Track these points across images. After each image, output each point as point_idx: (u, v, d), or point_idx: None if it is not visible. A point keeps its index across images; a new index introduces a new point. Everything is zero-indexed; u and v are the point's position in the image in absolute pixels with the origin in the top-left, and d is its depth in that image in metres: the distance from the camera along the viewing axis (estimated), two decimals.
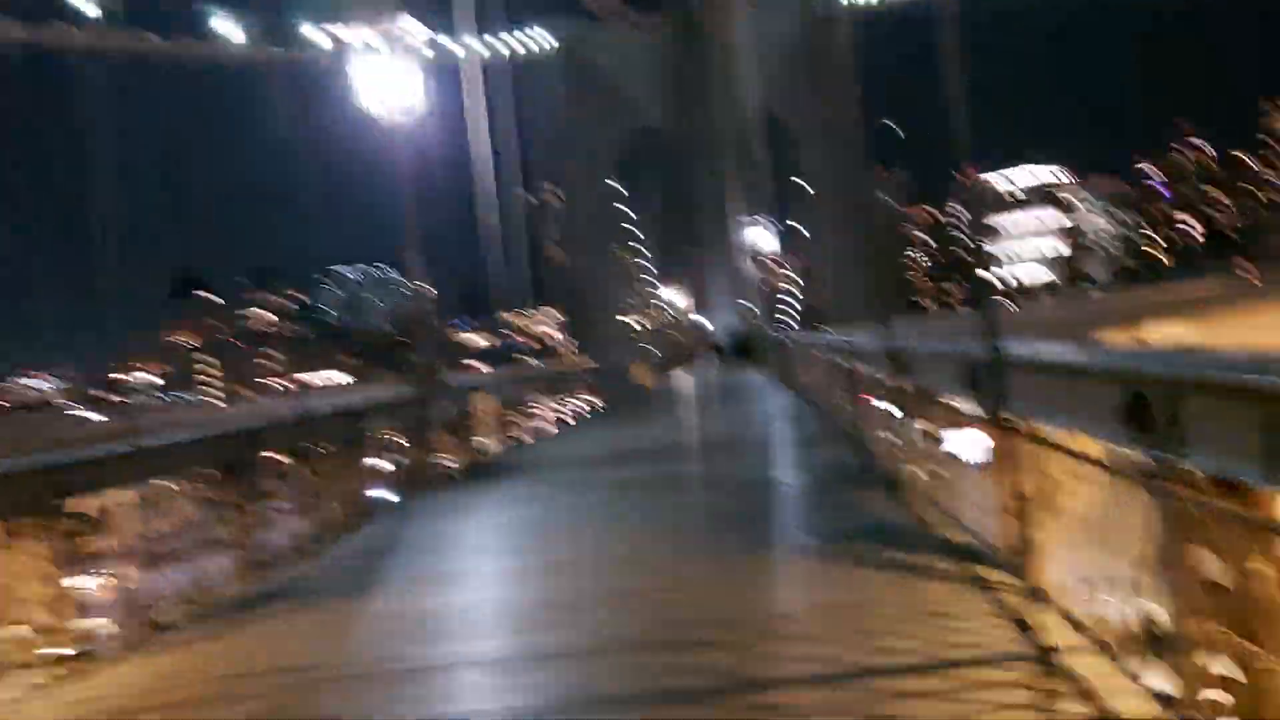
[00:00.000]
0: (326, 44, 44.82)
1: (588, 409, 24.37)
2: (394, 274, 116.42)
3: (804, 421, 15.23)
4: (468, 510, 10.68)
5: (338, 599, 7.18)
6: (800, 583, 6.34)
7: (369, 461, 11.11)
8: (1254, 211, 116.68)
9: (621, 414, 22.53)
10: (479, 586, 7.24)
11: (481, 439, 15.19)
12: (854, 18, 62.44)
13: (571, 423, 20.66)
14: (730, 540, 7.70)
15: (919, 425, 8.58)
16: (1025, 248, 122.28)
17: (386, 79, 13.22)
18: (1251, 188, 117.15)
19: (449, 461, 13.46)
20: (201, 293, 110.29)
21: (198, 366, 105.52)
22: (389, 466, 11.50)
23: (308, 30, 45.20)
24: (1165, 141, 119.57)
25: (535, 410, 19.23)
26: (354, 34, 13.09)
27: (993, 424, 6.07)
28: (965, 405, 7.08)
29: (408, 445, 12.50)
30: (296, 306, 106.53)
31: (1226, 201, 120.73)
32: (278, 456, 9.18)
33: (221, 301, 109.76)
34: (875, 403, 11.37)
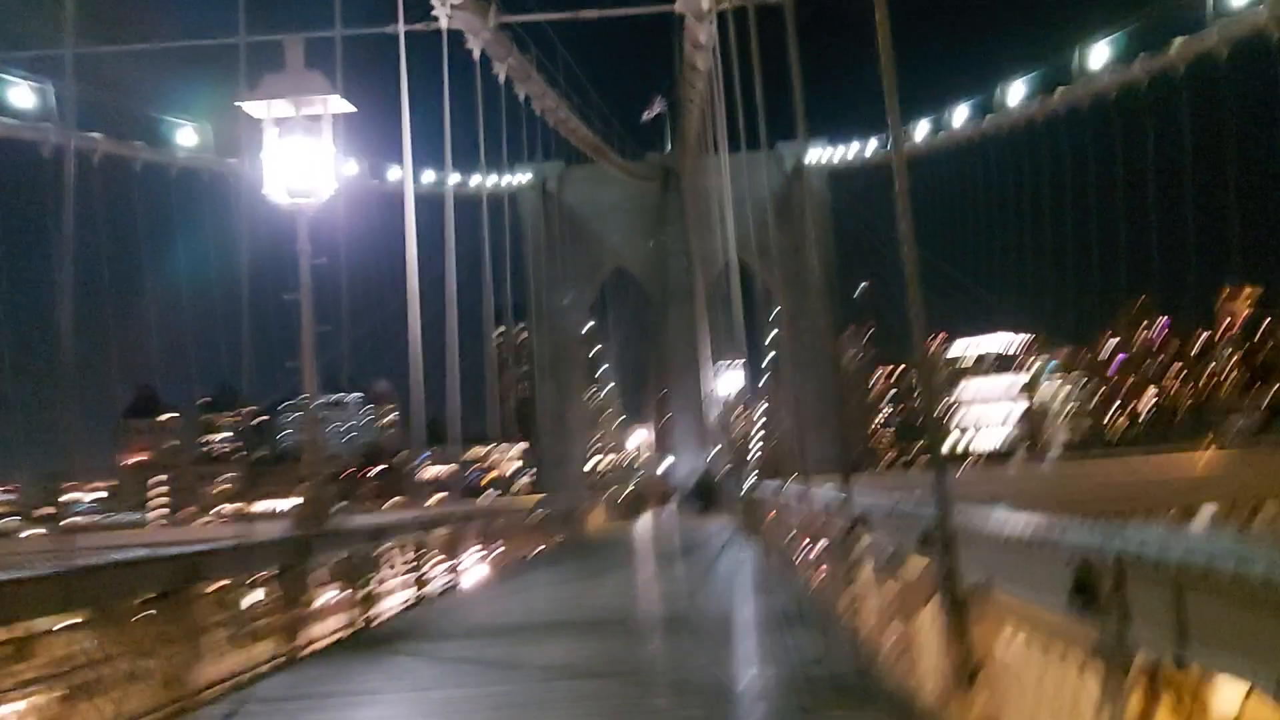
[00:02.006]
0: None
1: (534, 555, 21.46)
2: (357, 400, 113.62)
3: (771, 590, 12.47)
4: (322, 708, 7.77)
5: None
6: None
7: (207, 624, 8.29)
8: (1208, 390, 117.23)
9: (570, 564, 19.61)
10: None
11: (385, 595, 12.33)
12: (834, 177, 62.50)
13: (510, 572, 17.74)
14: None
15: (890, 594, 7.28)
16: (987, 413, 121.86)
17: (300, 162, 11.03)
18: (1206, 366, 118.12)
19: (331, 627, 10.60)
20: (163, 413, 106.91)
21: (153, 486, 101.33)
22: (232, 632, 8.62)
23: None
24: (1125, 316, 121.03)
25: (465, 557, 16.38)
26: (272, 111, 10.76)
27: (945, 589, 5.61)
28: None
29: (272, 604, 9.75)
30: (253, 430, 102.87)
31: (1177, 377, 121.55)
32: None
33: (172, 421, 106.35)
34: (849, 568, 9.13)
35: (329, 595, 11.31)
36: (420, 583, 13.75)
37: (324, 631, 10.68)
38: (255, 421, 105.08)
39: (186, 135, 37.99)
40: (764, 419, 64.93)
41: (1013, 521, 5.00)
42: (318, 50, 11.80)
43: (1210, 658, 2.95)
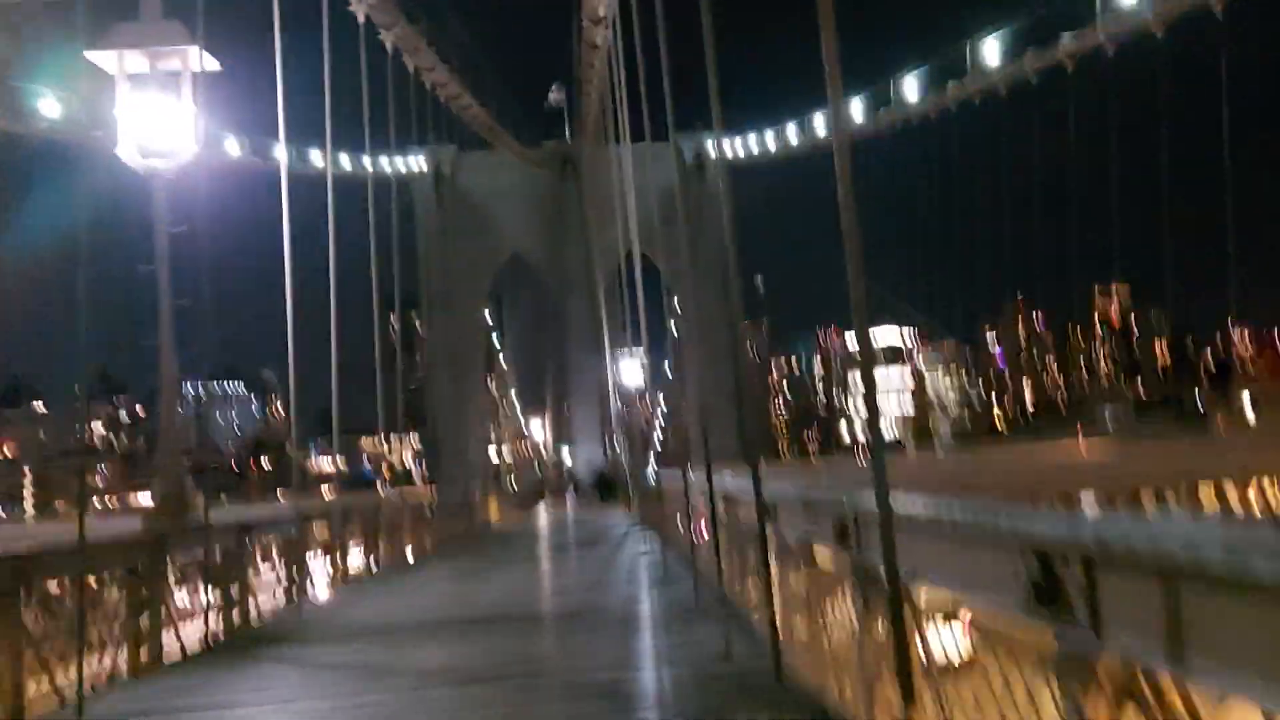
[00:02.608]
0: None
1: (424, 549, 20.48)
2: (242, 390, 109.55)
3: (671, 582, 11.88)
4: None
5: None
6: None
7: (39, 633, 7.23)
8: (1082, 382, 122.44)
9: (461, 558, 18.70)
10: None
11: (255, 596, 11.30)
12: (734, 169, 62.42)
13: (396, 569, 16.77)
14: None
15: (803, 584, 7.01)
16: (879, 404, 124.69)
17: (155, 119, 9.89)
18: (1080, 361, 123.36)
19: (192, 633, 9.56)
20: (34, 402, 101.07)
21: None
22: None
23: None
24: (1006, 312, 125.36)
25: (349, 553, 15.37)
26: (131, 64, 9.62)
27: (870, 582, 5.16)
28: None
29: (122, 609, 8.71)
30: (130, 421, 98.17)
31: (1053, 370, 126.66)
32: None
33: (44, 411, 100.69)
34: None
35: (192, 598, 10.29)
36: (296, 582, 12.74)
37: (183, 639, 9.65)
38: (133, 411, 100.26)
39: (50, 106, 35.34)
40: (664, 409, 64.75)
41: (938, 507, 4.58)
42: (186, 6, 10.60)
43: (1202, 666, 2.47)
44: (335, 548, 14.98)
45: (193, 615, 10.14)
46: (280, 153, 20.03)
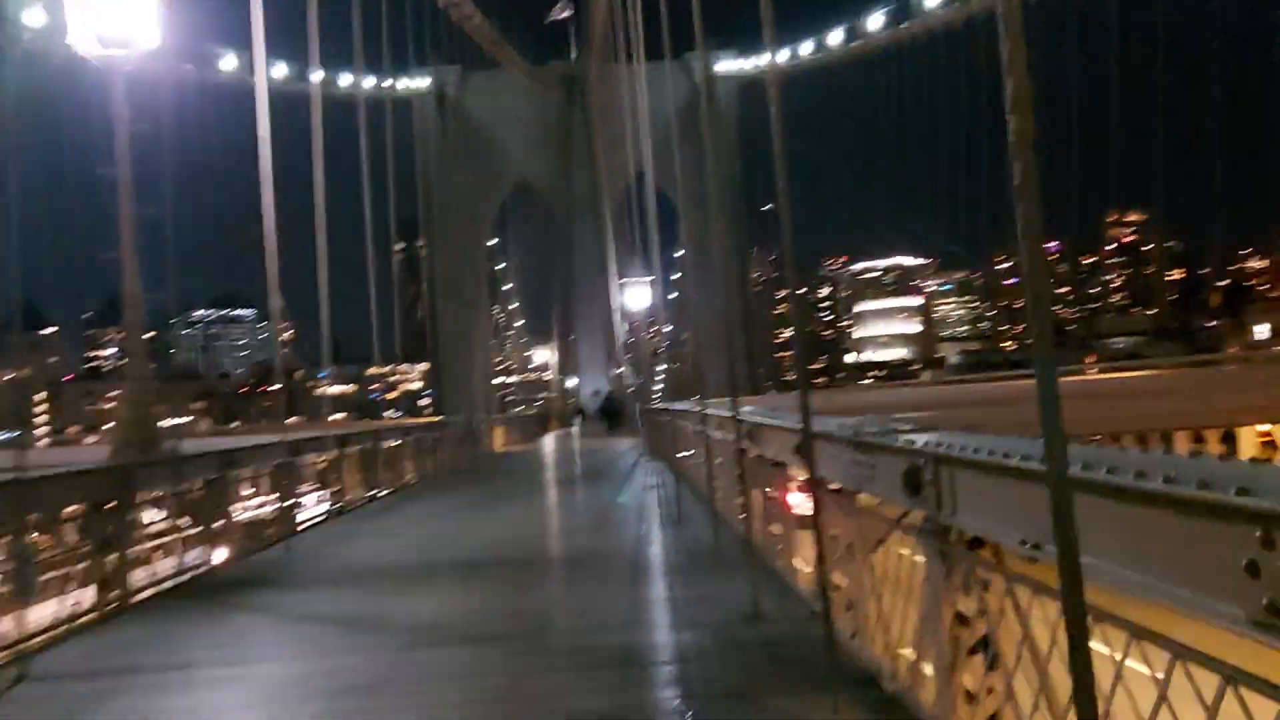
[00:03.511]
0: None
1: (424, 480, 19.60)
2: (251, 316, 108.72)
3: (684, 522, 10.89)
4: (111, 692, 5.89)
5: None
6: None
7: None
8: (1092, 308, 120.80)
9: (463, 490, 17.79)
10: None
11: (235, 533, 10.35)
12: (744, 90, 60.22)
13: (394, 501, 15.85)
14: None
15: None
16: (885, 330, 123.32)
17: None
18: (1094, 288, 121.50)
19: (163, 573, 8.62)
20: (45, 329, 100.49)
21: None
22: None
23: None
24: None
25: (343, 485, 14.44)
26: None
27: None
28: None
29: (82, 547, 7.76)
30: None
31: (1066, 297, 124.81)
32: None
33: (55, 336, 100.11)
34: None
35: (164, 534, 9.34)
36: (284, 517, 11.80)
37: (151, 579, 8.72)
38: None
39: (35, 15, 33.55)
40: (671, 338, 63.60)
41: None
42: None
43: None
44: (330, 479, 14.04)
45: (166, 554, 9.21)
46: (259, 72, 18.52)
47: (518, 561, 9.25)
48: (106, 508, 8.10)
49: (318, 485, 13.69)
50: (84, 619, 7.66)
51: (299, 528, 12.06)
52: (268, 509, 11.71)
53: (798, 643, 5.74)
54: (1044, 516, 3.02)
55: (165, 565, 8.96)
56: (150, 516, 8.97)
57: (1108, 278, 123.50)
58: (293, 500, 12.23)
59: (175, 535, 9.32)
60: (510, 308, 76.76)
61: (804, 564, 7.39)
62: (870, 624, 5.63)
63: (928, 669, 4.69)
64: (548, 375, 79.74)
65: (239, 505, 10.84)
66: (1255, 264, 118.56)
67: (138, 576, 8.62)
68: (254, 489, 11.50)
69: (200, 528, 9.76)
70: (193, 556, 9.41)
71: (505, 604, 7.38)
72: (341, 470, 14.35)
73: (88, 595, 7.75)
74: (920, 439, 4.18)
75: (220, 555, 9.83)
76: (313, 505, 13.18)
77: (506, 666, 5.72)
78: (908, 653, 4.85)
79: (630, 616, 6.71)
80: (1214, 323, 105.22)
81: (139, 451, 9.05)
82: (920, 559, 4.64)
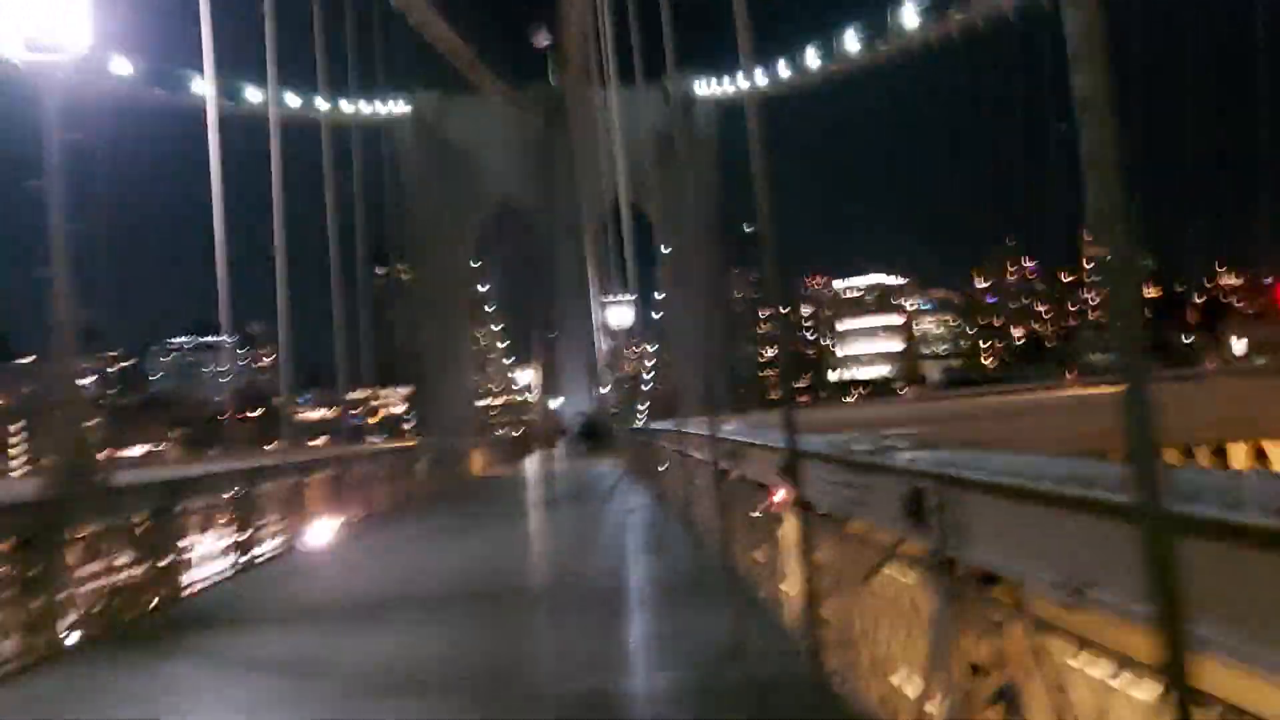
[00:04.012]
0: None
1: (401, 505, 18.87)
2: (229, 343, 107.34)
3: (665, 547, 10.26)
4: None
5: None
6: None
7: None
8: (1071, 325, 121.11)
9: (440, 515, 17.09)
10: None
11: (186, 568, 9.64)
12: (723, 112, 60.04)
13: (365, 529, 15.13)
14: None
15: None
16: (867, 348, 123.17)
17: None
18: (1070, 304, 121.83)
19: (101, 612, 7.90)
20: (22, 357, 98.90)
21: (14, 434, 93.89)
22: None
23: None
24: (995, 255, 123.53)
25: (311, 513, 13.71)
26: None
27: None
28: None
29: (9, 590, 7.06)
30: (117, 373, 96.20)
31: (1045, 315, 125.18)
32: None
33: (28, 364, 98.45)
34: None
35: (104, 572, 8.62)
36: (242, 549, 11.08)
37: (83, 621, 8.01)
38: (122, 365, 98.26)
39: None
40: (654, 358, 63.04)
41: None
42: None
43: None
44: (296, 507, 13.32)
45: (105, 594, 8.50)
46: (209, 89, 17.88)
47: (484, 595, 8.59)
48: (31, 546, 7.41)
49: (281, 515, 12.95)
50: (15, 665, 6.98)
51: (258, 562, 11.32)
52: (230, 540, 10.99)
53: (785, 685, 5.13)
54: (1089, 554, 2.44)
55: (107, 604, 8.24)
56: (83, 554, 8.25)
57: (1086, 296, 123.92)
58: (248, 531, 11.51)
59: (121, 573, 8.61)
60: (493, 329, 76.01)
61: (790, 591, 6.79)
62: (864, 663, 5.04)
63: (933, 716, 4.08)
64: (531, 396, 78.99)
65: (186, 539, 10.11)
66: (1230, 280, 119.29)
67: (69, 620, 7.92)
68: (207, 522, 10.77)
69: (146, 563, 9.05)
70: (137, 595, 8.70)
71: (467, 644, 6.72)
72: (304, 499, 13.63)
73: (6, 646, 7.05)
74: (922, 457, 3.60)
75: (166, 593, 9.12)
76: (274, 537, 12.43)
77: (462, 717, 5.08)
78: (909, 694, 4.25)
79: (604, 657, 6.07)
80: (1191, 338, 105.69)
81: (72, 484, 8.35)
82: (920, 592, 4.05)
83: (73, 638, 7.78)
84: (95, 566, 8.55)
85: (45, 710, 5.87)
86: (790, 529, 6.82)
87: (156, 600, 8.96)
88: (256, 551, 11.47)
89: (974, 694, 3.57)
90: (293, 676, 6.22)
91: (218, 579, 10.21)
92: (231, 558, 10.70)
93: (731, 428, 9.14)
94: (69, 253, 9.33)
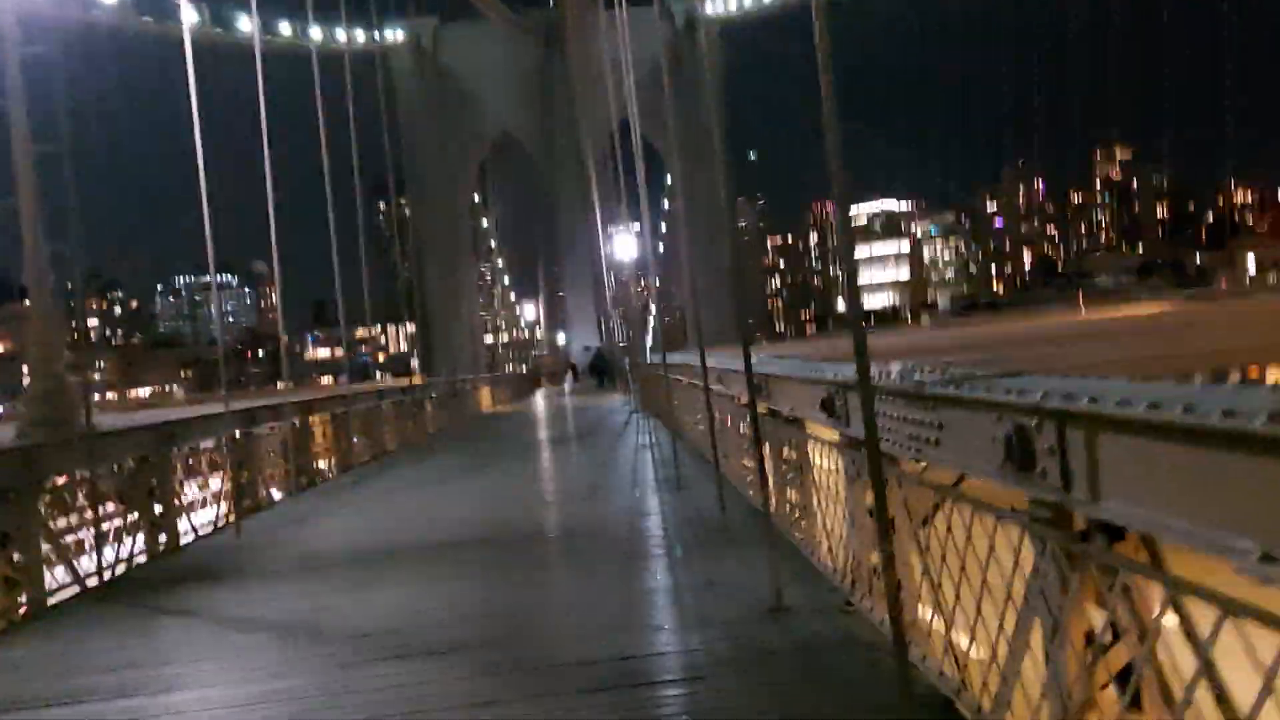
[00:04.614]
0: None
1: (408, 444, 18.37)
2: (235, 282, 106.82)
3: (686, 486, 9.65)
4: None
5: None
6: None
7: None
8: (1081, 247, 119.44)
9: (445, 456, 16.51)
10: None
11: (181, 515, 9.06)
12: (727, 33, 58.17)
13: (368, 471, 14.58)
14: None
15: None
16: (876, 277, 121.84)
17: None
18: (1080, 225, 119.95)
19: (81, 571, 7.33)
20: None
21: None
22: None
23: None
24: (1006, 178, 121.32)
25: (310, 456, 13.15)
26: None
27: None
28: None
29: None
30: (125, 314, 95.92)
31: (1055, 237, 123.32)
32: None
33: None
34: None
35: (88, 524, 8.05)
36: (240, 495, 10.52)
37: (73, 577, 7.47)
38: (129, 305, 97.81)
39: None
40: (661, 290, 62.11)
41: None
42: None
43: None
44: (297, 450, 12.74)
45: (89, 547, 7.95)
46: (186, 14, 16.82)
47: (495, 542, 8.00)
48: (4, 498, 6.81)
49: (281, 458, 12.37)
50: None
51: (253, 511, 10.73)
52: (219, 487, 10.41)
53: (834, 646, 4.52)
54: None
55: (86, 561, 7.68)
56: (65, 505, 7.67)
57: (1097, 218, 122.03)
58: (250, 477, 10.93)
59: (98, 526, 8.04)
60: (497, 264, 75.03)
61: (830, 538, 6.15)
62: (929, 622, 4.40)
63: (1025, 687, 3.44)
64: (537, 332, 78.40)
65: (181, 486, 9.54)
66: (1242, 197, 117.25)
67: (58, 576, 7.37)
68: (201, 467, 10.19)
69: (136, 514, 8.49)
70: (125, 549, 8.15)
71: (475, 600, 6.13)
72: (306, 440, 13.04)
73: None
74: (1032, 386, 2.89)
75: (158, 543, 8.56)
76: (273, 483, 11.86)
77: (472, 691, 4.47)
78: (997, 666, 3.61)
79: (627, 614, 5.47)
80: (1201, 257, 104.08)
81: (51, 430, 7.74)
82: (1006, 547, 3.39)
83: (57, 595, 7.26)
84: (78, 518, 7.99)
85: (22, 675, 5.31)
86: (830, 468, 6.16)
87: (146, 553, 8.42)
88: (255, 498, 10.92)
89: (1091, 675, 2.91)
90: (287, 639, 5.64)
91: (213, 529, 9.65)
92: (227, 505, 10.13)
93: (756, 359, 8.44)
94: (38, 182, 8.60)
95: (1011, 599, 3.30)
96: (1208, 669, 2.60)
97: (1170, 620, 2.72)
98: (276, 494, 11.80)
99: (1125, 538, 2.84)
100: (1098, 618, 2.94)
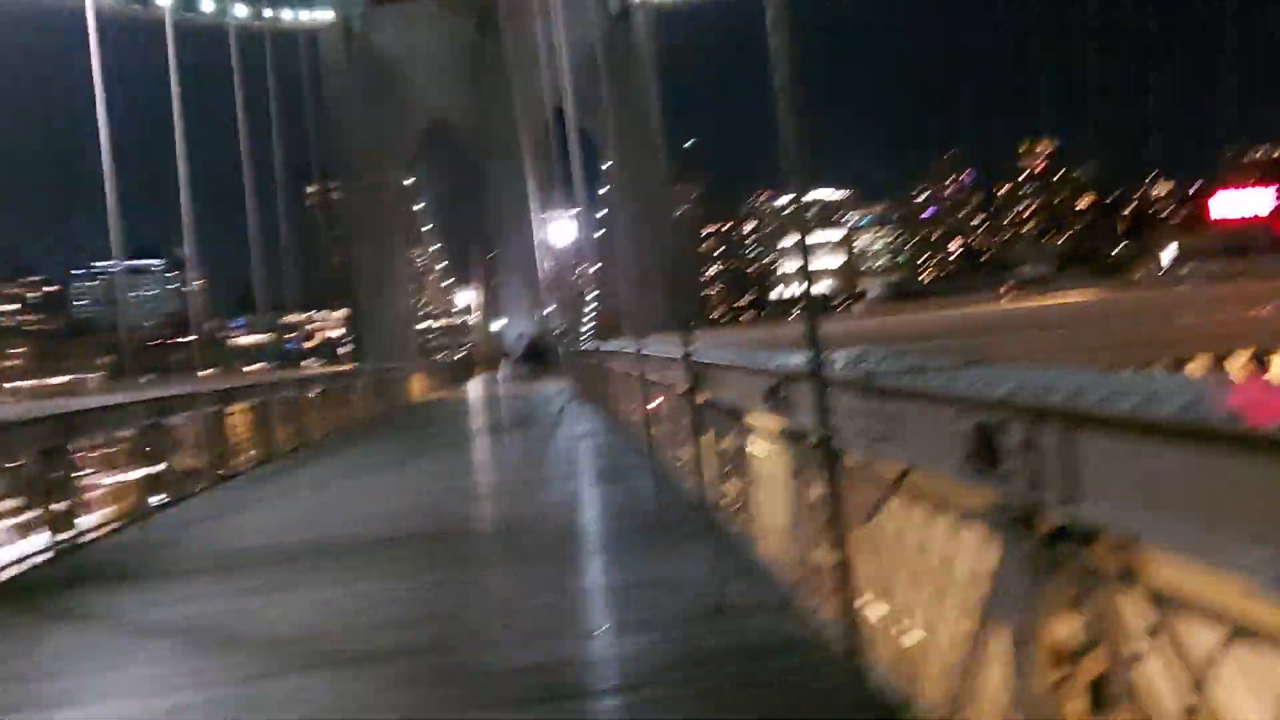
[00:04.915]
0: None
1: (335, 433, 17.78)
2: (159, 267, 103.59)
3: (622, 477, 9.36)
4: None
5: None
6: None
7: None
8: (1007, 237, 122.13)
9: (375, 444, 16.02)
10: None
11: (83, 510, 8.50)
12: (664, 19, 57.82)
13: (290, 462, 14.01)
14: None
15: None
16: (812, 264, 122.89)
17: None
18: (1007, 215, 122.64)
19: None
20: None
21: None
22: None
23: None
24: (935, 169, 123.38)
25: (229, 446, 12.56)
26: None
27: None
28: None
29: None
30: (41, 299, 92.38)
31: (979, 229, 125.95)
32: None
33: None
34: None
35: None
36: (150, 489, 9.94)
37: None
38: (45, 290, 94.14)
39: None
40: (598, 276, 61.73)
41: None
42: None
43: None
44: (214, 441, 12.15)
45: None
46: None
47: (423, 538, 7.62)
48: None
49: (194, 449, 11.78)
50: None
51: (163, 505, 10.16)
52: (127, 479, 9.83)
53: (779, 648, 4.28)
54: None
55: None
56: None
57: (1020, 209, 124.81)
58: (160, 468, 10.34)
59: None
60: (431, 249, 73.72)
61: (771, 532, 5.93)
62: (879, 624, 4.19)
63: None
64: (472, 318, 77.34)
65: (88, 479, 8.96)
66: (1160, 189, 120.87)
67: None
68: (108, 459, 9.60)
69: (31, 512, 7.92)
70: (19, 549, 7.58)
71: (401, 601, 5.76)
72: (221, 430, 12.44)
73: None
74: (999, 379, 2.66)
75: (59, 541, 7.99)
76: (185, 475, 11.27)
77: (391, 704, 4.13)
78: (951, 672, 3.40)
79: (562, 616, 5.16)
80: (1120, 247, 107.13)
81: None
82: (972, 549, 3.17)
83: None
84: None
85: None
86: (772, 459, 5.93)
87: (44, 552, 7.85)
88: (166, 493, 10.33)
89: (1061, 682, 2.70)
90: (190, 648, 5.22)
91: (120, 525, 9.08)
92: (135, 498, 9.55)
93: (707, 343, 8.17)
94: None
95: (964, 600, 3.09)
96: (1195, 681, 2.40)
97: (1145, 624, 2.52)
98: (190, 487, 11.21)
99: (1098, 541, 2.64)
100: (1066, 624, 2.73)
